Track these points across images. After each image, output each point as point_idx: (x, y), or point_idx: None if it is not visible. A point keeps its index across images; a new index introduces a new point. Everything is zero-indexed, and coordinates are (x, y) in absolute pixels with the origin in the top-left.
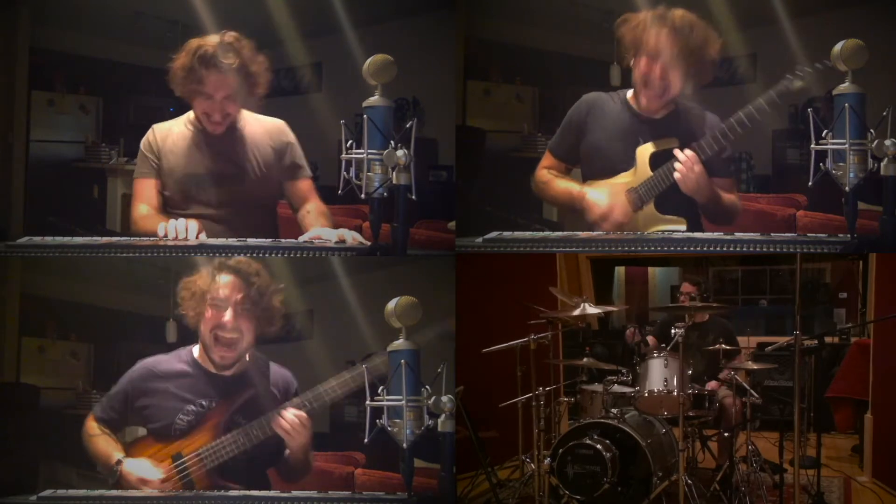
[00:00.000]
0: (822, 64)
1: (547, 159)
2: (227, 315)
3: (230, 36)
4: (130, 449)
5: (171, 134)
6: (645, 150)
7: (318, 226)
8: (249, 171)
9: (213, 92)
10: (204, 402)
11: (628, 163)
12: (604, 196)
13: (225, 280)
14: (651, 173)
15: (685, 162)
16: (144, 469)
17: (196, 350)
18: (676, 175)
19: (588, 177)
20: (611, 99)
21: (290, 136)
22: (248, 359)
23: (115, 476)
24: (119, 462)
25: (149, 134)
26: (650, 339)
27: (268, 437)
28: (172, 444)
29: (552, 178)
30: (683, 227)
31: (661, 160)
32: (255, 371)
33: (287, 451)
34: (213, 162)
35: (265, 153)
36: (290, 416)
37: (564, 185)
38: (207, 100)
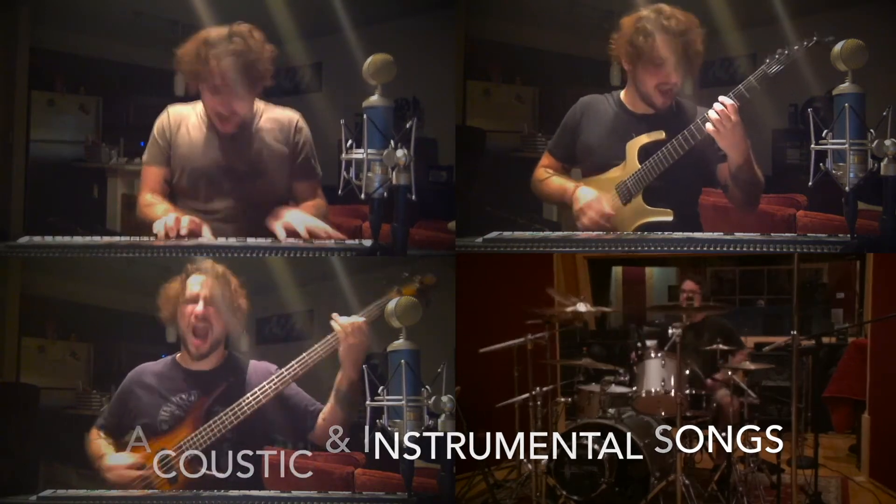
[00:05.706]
0: (808, 40)
1: (545, 159)
2: (199, 306)
3: (242, 26)
4: (124, 451)
5: (186, 122)
6: (634, 144)
7: (307, 214)
8: (261, 169)
9: (220, 82)
10: (183, 396)
11: (621, 159)
12: (592, 191)
13: (197, 279)
14: (639, 166)
15: (721, 112)
16: (119, 458)
17: (178, 355)
18: (709, 126)
19: (586, 175)
20: (605, 100)
21: (306, 132)
22: (223, 356)
23: (102, 471)
24: (102, 457)
25: (163, 116)
26: None
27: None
28: (158, 441)
29: (548, 177)
30: (670, 219)
31: (649, 153)
32: (231, 366)
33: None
34: (224, 158)
35: (278, 150)
36: (345, 319)
37: (559, 182)
38: (215, 94)
